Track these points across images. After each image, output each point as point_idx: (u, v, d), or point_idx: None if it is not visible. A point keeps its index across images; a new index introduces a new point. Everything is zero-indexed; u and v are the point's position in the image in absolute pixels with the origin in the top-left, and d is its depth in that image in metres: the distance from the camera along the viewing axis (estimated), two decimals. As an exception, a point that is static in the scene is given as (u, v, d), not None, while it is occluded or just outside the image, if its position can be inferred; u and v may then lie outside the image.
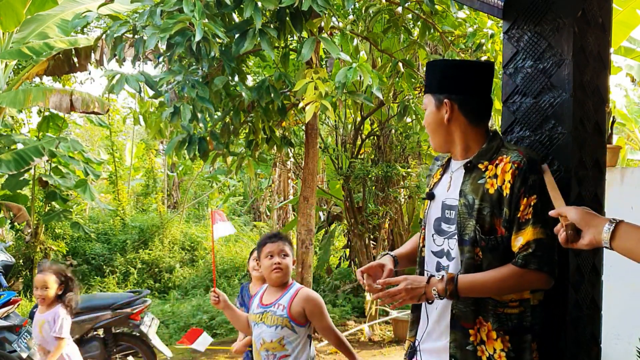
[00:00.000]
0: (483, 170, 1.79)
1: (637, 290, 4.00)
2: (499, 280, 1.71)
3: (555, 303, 1.88)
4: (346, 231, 9.26)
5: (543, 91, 2.20)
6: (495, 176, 1.75)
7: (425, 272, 1.89)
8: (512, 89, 2.29)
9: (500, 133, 1.92)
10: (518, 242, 1.71)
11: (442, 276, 1.70)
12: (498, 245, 1.73)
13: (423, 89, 1.96)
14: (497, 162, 1.78)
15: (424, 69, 6.82)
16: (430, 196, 1.89)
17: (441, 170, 1.94)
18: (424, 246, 1.91)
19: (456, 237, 1.78)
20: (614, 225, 1.37)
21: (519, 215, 1.71)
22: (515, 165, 1.73)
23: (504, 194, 1.72)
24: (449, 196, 1.84)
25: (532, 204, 1.71)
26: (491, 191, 1.74)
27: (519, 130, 2.26)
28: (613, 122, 4.39)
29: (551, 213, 1.53)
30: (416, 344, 1.89)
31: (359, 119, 7.73)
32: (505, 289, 1.72)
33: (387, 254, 2.02)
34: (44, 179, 8.27)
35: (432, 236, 1.87)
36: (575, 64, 2.15)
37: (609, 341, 2.68)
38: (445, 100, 1.82)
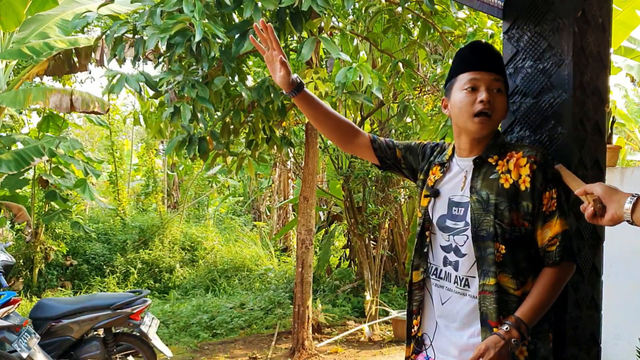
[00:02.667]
0: (494, 165, 1.79)
1: (637, 290, 4.00)
2: (549, 290, 1.72)
3: (555, 303, 1.88)
4: (346, 231, 9.26)
5: (543, 91, 2.20)
6: (509, 171, 1.76)
7: (431, 265, 1.89)
8: (512, 89, 2.30)
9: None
10: (546, 234, 1.74)
11: (507, 326, 1.67)
12: (522, 237, 1.75)
13: (480, 67, 1.83)
14: (507, 157, 1.79)
15: (424, 68, 6.83)
16: (436, 193, 1.88)
17: (439, 167, 1.92)
18: (429, 242, 1.90)
19: (468, 233, 1.77)
20: (635, 199, 1.45)
21: (543, 209, 1.74)
22: (532, 159, 1.75)
23: (522, 188, 1.74)
24: (459, 194, 1.83)
25: (554, 196, 1.74)
26: (506, 186, 1.75)
27: (518, 130, 2.26)
28: (613, 122, 4.39)
29: (577, 192, 1.55)
30: (427, 341, 1.90)
31: (359, 119, 7.73)
32: (556, 294, 1.75)
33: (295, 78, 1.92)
34: (44, 178, 8.27)
35: (437, 233, 1.88)
36: (575, 64, 2.15)
37: (609, 341, 2.68)
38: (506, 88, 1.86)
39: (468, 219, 1.79)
